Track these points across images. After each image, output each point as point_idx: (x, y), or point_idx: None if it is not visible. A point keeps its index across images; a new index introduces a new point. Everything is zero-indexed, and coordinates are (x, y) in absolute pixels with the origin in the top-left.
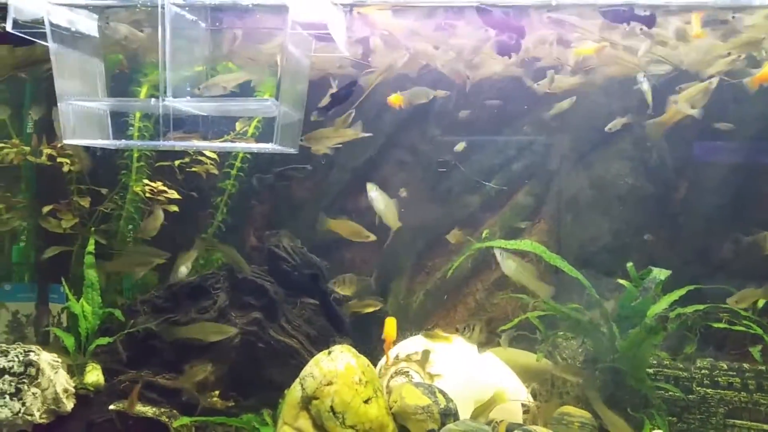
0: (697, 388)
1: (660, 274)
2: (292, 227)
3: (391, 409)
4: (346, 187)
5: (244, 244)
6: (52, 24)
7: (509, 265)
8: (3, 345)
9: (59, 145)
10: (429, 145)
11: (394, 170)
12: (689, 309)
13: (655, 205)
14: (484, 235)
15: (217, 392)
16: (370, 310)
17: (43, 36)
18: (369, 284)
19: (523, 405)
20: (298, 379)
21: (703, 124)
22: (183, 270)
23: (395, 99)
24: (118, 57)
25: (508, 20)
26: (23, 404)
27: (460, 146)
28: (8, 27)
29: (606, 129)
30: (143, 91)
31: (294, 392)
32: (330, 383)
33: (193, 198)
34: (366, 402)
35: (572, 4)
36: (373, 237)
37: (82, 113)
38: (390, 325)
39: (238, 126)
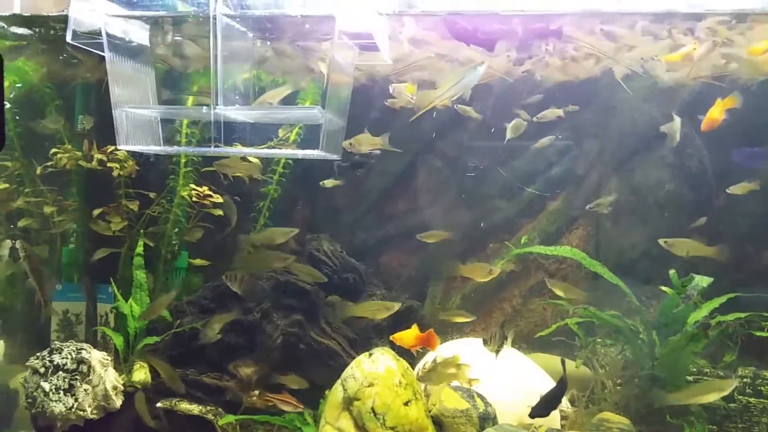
0: (739, 397)
1: (702, 281)
2: (332, 231)
3: (430, 412)
4: (384, 191)
5: (285, 248)
6: (108, 34)
7: None
8: (57, 343)
9: (109, 150)
10: (466, 151)
11: (433, 175)
12: (730, 317)
13: (696, 212)
14: (522, 241)
15: (257, 392)
16: (461, 320)
17: (100, 46)
18: (261, 287)
19: (561, 411)
20: (339, 380)
21: (744, 130)
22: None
23: (409, 89)
24: (165, 65)
25: (475, 32)
26: (76, 400)
27: (546, 141)
28: (68, 38)
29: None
30: (190, 99)
31: (336, 393)
32: (371, 385)
33: (237, 202)
34: (406, 404)
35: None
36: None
37: (135, 120)
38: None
39: (281, 133)
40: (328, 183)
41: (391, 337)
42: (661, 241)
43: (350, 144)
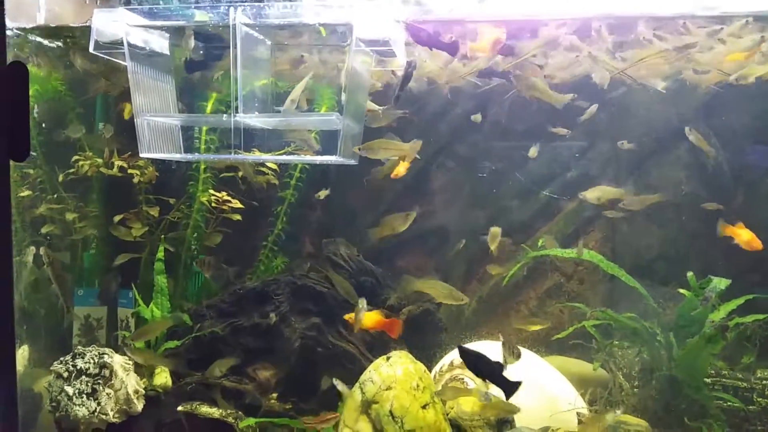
0: (758, 399)
1: (720, 283)
2: (348, 235)
3: (447, 415)
4: (398, 195)
5: (302, 252)
6: (129, 44)
7: None
8: (79, 347)
9: (129, 157)
10: (481, 153)
11: (447, 178)
12: (748, 318)
13: (712, 212)
14: (540, 243)
15: (275, 395)
16: (535, 328)
17: (121, 56)
18: (227, 273)
19: (578, 414)
20: (357, 384)
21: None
22: None
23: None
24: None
25: (438, 38)
26: (99, 404)
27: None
28: (91, 48)
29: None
30: (209, 105)
31: (354, 396)
32: (389, 388)
33: (255, 207)
34: (424, 407)
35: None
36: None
37: (156, 128)
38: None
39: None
40: (321, 194)
41: (346, 316)
42: (580, 195)
43: (358, 149)
